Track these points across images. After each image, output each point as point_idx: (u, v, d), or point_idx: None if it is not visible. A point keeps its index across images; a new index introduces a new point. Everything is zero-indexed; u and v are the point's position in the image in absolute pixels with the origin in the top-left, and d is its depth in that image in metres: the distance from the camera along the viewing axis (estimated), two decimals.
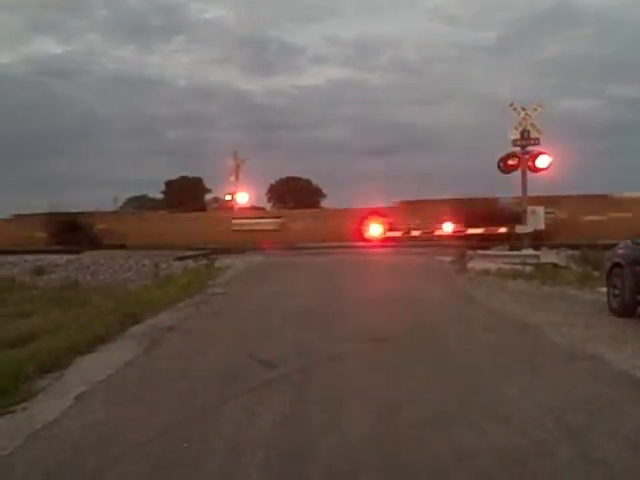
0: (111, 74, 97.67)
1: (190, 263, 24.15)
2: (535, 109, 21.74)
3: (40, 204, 40.55)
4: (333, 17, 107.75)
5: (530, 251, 21.15)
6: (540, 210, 21.96)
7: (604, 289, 11.36)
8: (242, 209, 53.73)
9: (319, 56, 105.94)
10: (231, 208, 54.12)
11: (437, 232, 27.34)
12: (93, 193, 77.69)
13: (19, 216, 42.76)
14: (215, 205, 66.19)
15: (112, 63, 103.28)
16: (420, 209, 34.52)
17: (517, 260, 19.59)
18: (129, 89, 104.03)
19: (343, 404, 5.73)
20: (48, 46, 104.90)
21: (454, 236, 26.45)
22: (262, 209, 60.31)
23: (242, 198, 56.27)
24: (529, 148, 21.57)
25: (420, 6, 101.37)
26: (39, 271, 23.53)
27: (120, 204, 60.58)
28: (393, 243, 29.62)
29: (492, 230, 24.84)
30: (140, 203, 68.91)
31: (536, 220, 21.68)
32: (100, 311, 11.21)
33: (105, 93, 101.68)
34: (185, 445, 4.75)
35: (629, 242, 10.79)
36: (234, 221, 41.10)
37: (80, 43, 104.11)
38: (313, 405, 5.73)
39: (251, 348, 8.21)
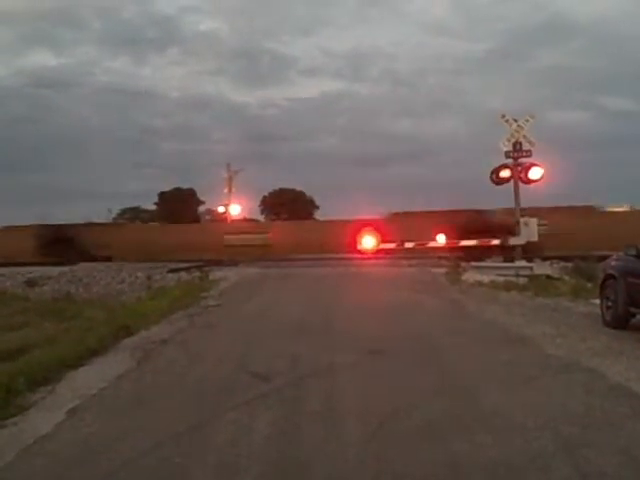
0: (105, 86, 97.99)
1: (183, 275, 24.12)
2: (527, 120, 21.82)
3: (32, 216, 40.52)
4: (326, 29, 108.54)
5: (523, 263, 21.18)
6: (533, 221, 21.99)
7: (597, 301, 11.37)
8: (235, 221, 53.72)
9: (312, 68, 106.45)
10: (224, 220, 54.09)
11: (431, 244, 27.38)
12: (87, 205, 77.61)
13: (8, 228, 42.33)
14: (208, 217, 66.21)
15: (106, 75, 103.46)
16: (412, 221, 34.35)
17: (511, 272, 19.62)
18: (123, 101, 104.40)
19: (338, 417, 5.71)
20: (43, 58, 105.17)
21: (448, 248, 26.49)
22: (255, 221, 60.31)
23: (235, 210, 56.29)
24: (521, 160, 21.64)
25: (413, 18, 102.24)
26: (31, 283, 23.41)
27: (114, 215, 60.63)
28: (387, 255, 29.64)
29: (485, 242, 24.86)
30: (134, 215, 68.96)
31: (529, 232, 21.70)
32: (93, 323, 11.14)
33: (99, 105, 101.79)
34: (177, 460, 4.71)
35: (622, 254, 10.80)
36: (226, 236, 40.54)
37: (74, 55, 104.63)
38: (308, 418, 5.70)
39: (245, 361, 8.19)
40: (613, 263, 10.98)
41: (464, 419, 5.53)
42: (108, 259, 33.79)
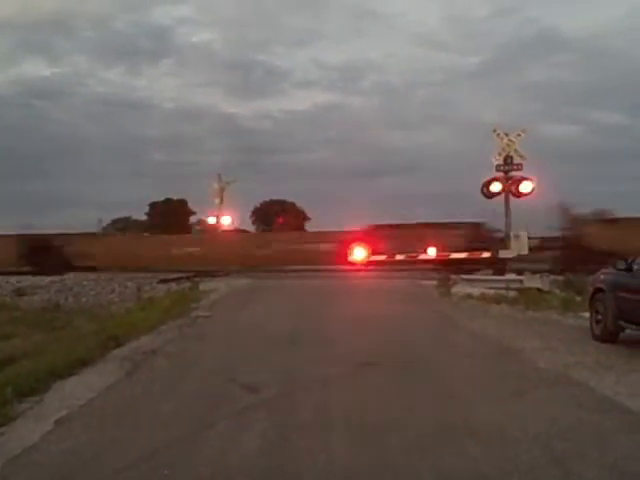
0: (99, 96, 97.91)
1: (173, 286, 24.05)
2: (518, 135, 22.03)
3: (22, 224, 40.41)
4: (319, 42, 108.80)
5: (513, 276, 21.25)
6: (524, 235, 22.10)
7: (587, 314, 11.40)
8: (226, 231, 53.71)
9: (305, 80, 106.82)
10: (215, 231, 54.02)
11: (421, 256, 27.47)
12: (78, 214, 77.34)
13: None
14: (199, 227, 66.07)
15: (100, 85, 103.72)
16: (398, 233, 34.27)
17: (501, 285, 19.68)
18: (116, 111, 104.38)
19: (328, 428, 5.68)
20: (37, 68, 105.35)
21: (438, 260, 26.61)
22: (246, 232, 60.26)
23: (226, 221, 56.31)
24: (512, 173, 21.80)
25: (406, 32, 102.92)
26: (21, 292, 23.30)
27: (104, 225, 60.45)
28: (376, 267, 29.71)
29: (475, 255, 24.99)
30: (124, 225, 68.77)
31: (519, 245, 21.80)
32: (82, 334, 11.09)
33: (92, 115, 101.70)
34: (166, 472, 4.67)
35: (611, 267, 10.85)
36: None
37: (68, 65, 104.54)
38: (298, 430, 5.66)
39: (235, 372, 8.14)
40: (602, 277, 11.02)
41: (455, 432, 5.52)
42: (92, 269, 33.60)
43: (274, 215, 70.15)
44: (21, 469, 4.81)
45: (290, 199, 73.38)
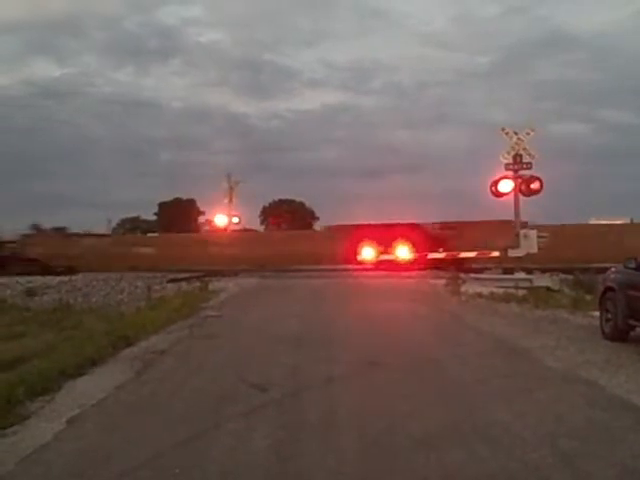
0: (107, 96, 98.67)
1: (183, 285, 24.09)
2: (527, 133, 21.90)
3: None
4: (329, 41, 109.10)
5: (522, 275, 21.18)
6: (533, 233, 22.00)
7: (597, 313, 11.37)
8: (234, 231, 53.75)
9: (314, 80, 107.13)
10: (224, 230, 54.08)
11: (430, 256, 27.48)
12: (86, 214, 77.89)
13: None
14: (207, 227, 66.24)
15: (109, 85, 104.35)
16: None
17: (510, 283, 19.63)
18: (125, 111, 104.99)
19: (336, 428, 5.70)
20: (46, 69, 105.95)
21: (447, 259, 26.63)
22: (254, 231, 60.35)
23: (234, 220, 56.34)
24: (521, 172, 21.70)
25: (414, 31, 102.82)
26: (31, 293, 23.36)
27: (113, 226, 60.69)
28: (385, 266, 29.71)
29: (485, 254, 24.97)
30: (133, 225, 69.00)
31: (529, 244, 21.70)
32: (92, 333, 11.12)
33: (101, 115, 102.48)
34: (177, 471, 4.71)
35: (621, 266, 10.81)
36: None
37: (78, 66, 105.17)
38: (306, 429, 5.69)
39: (244, 372, 8.17)
40: (612, 276, 10.98)
41: (462, 431, 5.53)
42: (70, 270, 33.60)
43: (283, 214, 70.23)
44: (34, 467, 4.86)
45: (299, 198, 73.52)
